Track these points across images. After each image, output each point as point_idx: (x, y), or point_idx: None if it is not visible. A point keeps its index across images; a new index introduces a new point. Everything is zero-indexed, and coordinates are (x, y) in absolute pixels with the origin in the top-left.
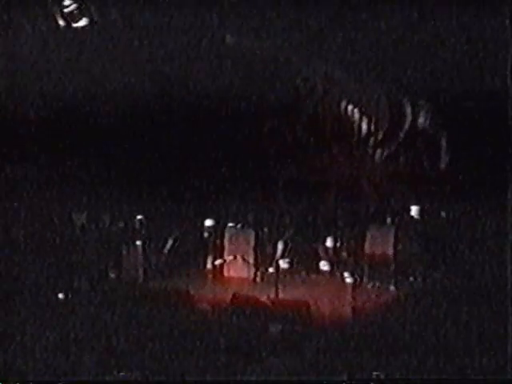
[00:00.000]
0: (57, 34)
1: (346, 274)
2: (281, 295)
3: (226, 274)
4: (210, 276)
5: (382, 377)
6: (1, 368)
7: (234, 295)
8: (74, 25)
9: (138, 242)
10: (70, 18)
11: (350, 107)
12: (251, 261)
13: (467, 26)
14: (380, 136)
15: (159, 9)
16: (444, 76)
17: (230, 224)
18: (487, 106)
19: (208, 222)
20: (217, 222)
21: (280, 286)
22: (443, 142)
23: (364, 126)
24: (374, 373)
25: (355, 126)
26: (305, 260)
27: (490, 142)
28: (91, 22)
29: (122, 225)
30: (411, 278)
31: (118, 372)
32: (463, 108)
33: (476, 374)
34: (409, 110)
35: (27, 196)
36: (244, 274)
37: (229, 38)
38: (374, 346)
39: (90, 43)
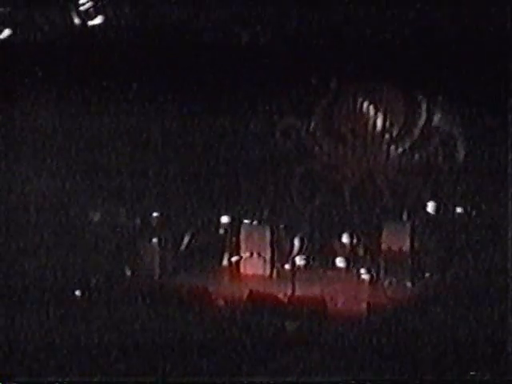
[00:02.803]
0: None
1: (362, 271)
2: (297, 292)
3: (242, 270)
4: (226, 273)
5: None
6: (14, 368)
7: (250, 292)
8: (90, 23)
9: (155, 239)
10: (85, 15)
11: (365, 103)
12: (267, 257)
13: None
14: (395, 132)
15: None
16: (459, 72)
17: (246, 221)
18: (503, 101)
19: (224, 219)
20: (233, 218)
21: (296, 283)
22: (458, 138)
23: (379, 123)
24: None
25: (370, 122)
26: (321, 256)
27: (504, 138)
28: (106, 19)
29: (138, 222)
30: (427, 274)
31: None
32: (478, 104)
33: (489, 368)
34: (424, 106)
35: (43, 192)
36: (260, 271)
37: None
38: (390, 342)
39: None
